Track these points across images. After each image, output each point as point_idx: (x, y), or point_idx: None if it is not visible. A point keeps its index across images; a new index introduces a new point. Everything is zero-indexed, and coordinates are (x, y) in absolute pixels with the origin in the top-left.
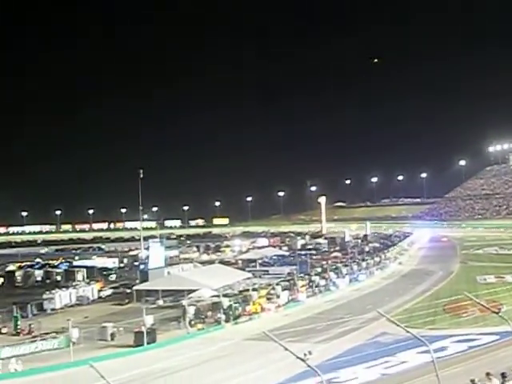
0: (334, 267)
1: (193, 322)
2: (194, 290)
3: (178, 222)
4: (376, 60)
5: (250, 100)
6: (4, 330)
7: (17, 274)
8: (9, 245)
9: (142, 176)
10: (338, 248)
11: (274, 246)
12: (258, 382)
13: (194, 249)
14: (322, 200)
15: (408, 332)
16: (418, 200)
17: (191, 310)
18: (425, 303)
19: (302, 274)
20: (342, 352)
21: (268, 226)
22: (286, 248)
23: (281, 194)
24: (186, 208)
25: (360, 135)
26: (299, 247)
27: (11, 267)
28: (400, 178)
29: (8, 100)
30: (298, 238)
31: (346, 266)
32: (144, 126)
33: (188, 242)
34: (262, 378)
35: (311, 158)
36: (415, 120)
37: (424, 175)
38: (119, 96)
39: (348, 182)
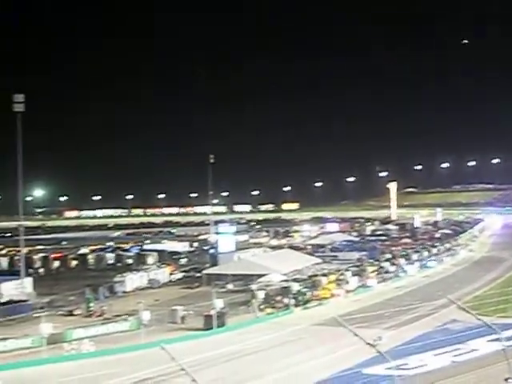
0: (403, 253)
1: (262, 307)
2: (264, 275)
3: (247, 207)
4: (465, 41)
5: (313, 89)
6: (77, 312)
7: (89, 256)
8: (81, 228)
9: (212, 161)
10: (407, 234)
11: (344, 232)
12: (327, 367)
13: (264, 234)
14: (392, 186)
15: (479, 319)
16: (491, 186)
17: (260, 295)
18: (496, 290)
19: (371, 260)
20: (412, 338)
21: (337, 212)
22: (355, 234)
23: (350, 179)
24: (255, 193)
25: (431, 120)
26: (369, 233)
27: (84, 250)
28: (472, 163)
29: (80, 85)
30: (368, 223)
31: (415, 252)
32: (216, 111)
33: (258, 226)
34: (332, 363)
35: (381, 143)
36: (491, 105)
37: (496, 161)
38: (195, 81)
39: (419, 167)
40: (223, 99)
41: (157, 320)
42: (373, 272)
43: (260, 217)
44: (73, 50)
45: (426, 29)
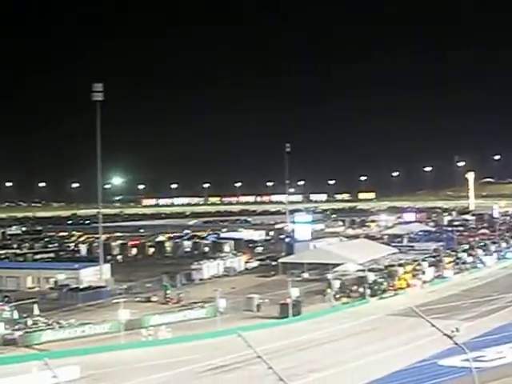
0: (481, 244)
1: (338, 296)
2: (340, 264)
3: (323, 196)
4: None
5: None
6: (154, 299)
7: (166, 244)
8: (159, 216)
9: (288, 150)
10: (485, 225)
11: (420, 222)
12: (403, 357)
13: (340, 223)
14: (470, 176)
15: None
16: None
17: (336, 284)
18: None
19: (448, 251)
20: (489, 330)
21: (414, 202)
22: (432, 224)
23: (427, 169)
24: (331, 182)
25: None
26: (446, 223)
27: (161, 238)
28: None
29: (157, 73)
30: (445, 213)
31: (493, 243)
32: (296, 100)
33: (333, 216)
34: (408, 353)
35: (458, 133)
36: None
37: None
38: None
39: (497, 157)
40: (305, 89)
41: (233, 308)
42: (449, 263)
43: (336, 206)
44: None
45: None
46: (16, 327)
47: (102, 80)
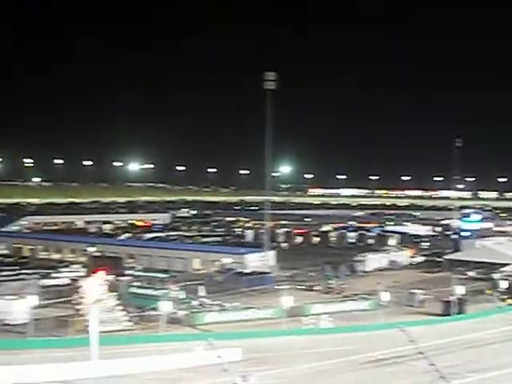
0: None
1: (504, 297)
2: (507, 264)
3: (493, 194)
4: None
5: None
6: (316, 288)
7: (331, 234)
8: (325, 206)
9: (459, 145)
10: None
11: None
12: None
13: (509, 222)
14: None
15: None
16: None
17: (503, 285)
18: None
19: None
20: None
21: None
22: None
23: None
24: (502, 180)
25: None
26: None
27: (326, 228)
28: None
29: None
30: None
31: None
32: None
33: (503, 215)
34: None
35: None
36: None
37: None
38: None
39: None
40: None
41: (395, 302)
42: None
43: (506, 205)
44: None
45: None
46: (181, 307)
47: (274, 69)
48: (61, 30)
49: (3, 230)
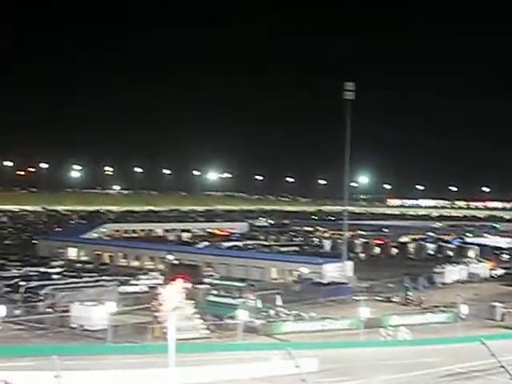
0: None
1: None
2: None
3: None
4: None
5: None
6: (395, 299)
7: (409, 245)
8: (403, 217)
9: None
10: None
11: None
12: None
13: None
14: None
15: None
16: None
17: None
18: None
19: None
20: None
21: None
22: None
23: None
24: None
25: None
26: None
27: (405, 239)
28: None
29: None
30: None
31: None
32: None
33: None
34: None
35: None
36: None
37: None
38: None
39: None
40: None
41: (474, 315)
42: None
43: None
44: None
45: None
46: (258, 316)
47: (353, 79)
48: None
49: (84, 237)
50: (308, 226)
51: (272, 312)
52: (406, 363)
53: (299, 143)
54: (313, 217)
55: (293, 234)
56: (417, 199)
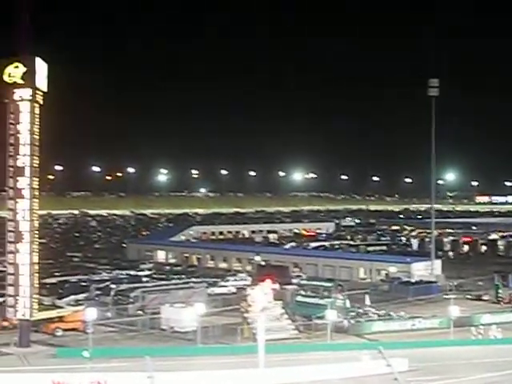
0: None
1: None
2: None
3: None
4: None
5: None
6: (485, 298)
7: (499, 243)
8: (491, 214)
9: None
10: None
11: None
12: None
13: None
14: None
15: None
16: None
17: None
18: None
19: None
20: None
21: None
22: None
23: None
24: None
25: None
26: None
27: (493, 236)
28: None
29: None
30: None
31: None
32: None
33: None
34: None
35: None
36: None
37: None
38: None
39: None
40: None
41: None
42: None
43: None
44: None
45: None
46: (347, 316)
47: (437, 76)
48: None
49: (172, 239)
50: (395, 225)
51: (361, 311)
52: (498, 362)
53: (385, 142)
54: (400, 215)
55: (380, 233)
56: (505, 196)
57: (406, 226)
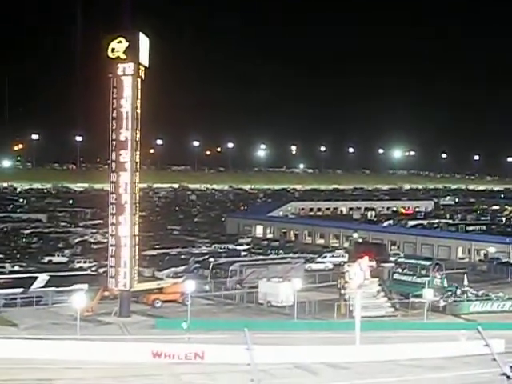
0: None
1: None
2: None
3: None
4: None
5: None
6: None
7: None
8: None
9: None
10: None
11: None
12: None
13: None
14: None
15: None
16: None
17: None
18: None
19: None
20: None
21: None
22: None
23: None
24: None
25: None
26: None
27: None
28: None
29: None
30: None
31: None
32: None
33: None
34: None
35: None
36: None
37: None
38: None
39: None
40: None
41: None
42: None
43: None
44: None
45: None
46: (445, 295)
47: None
48: None
49: (270, 215)
50: (495, 205)
51: (459, 291)
52: None
53: (487, 120)
54: (501, 195)
55: (480, 212)
56: None
57: (506, 206)
